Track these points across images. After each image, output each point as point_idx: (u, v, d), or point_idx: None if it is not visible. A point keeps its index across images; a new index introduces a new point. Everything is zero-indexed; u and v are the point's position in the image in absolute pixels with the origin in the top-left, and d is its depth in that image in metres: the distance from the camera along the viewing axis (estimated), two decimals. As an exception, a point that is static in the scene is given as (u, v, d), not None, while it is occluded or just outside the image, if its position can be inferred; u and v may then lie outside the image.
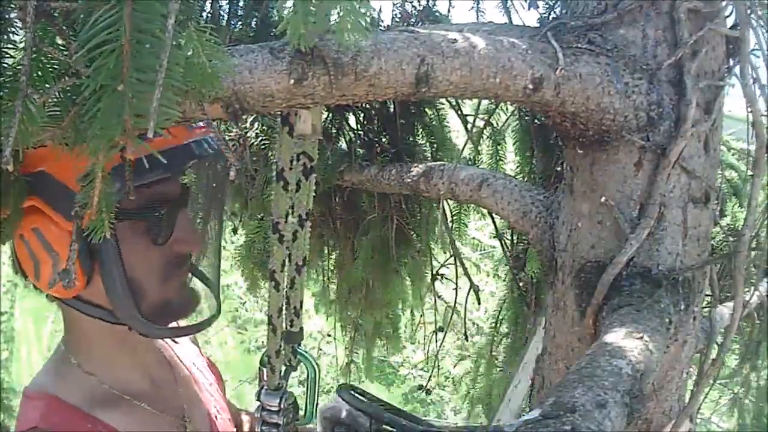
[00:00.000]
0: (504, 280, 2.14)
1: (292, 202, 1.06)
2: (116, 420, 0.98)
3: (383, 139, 1.81)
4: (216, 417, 1.18)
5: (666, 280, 0.93)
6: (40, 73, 0.52)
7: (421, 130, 1.84)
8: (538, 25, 1.04)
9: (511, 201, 1.21)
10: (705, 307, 1.05)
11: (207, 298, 1.13)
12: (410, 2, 1.64)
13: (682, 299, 0.93)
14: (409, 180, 1.60)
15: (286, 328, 1.14)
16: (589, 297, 0.96)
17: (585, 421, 0.59)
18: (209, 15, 1.50)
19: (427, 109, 1.83)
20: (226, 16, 1.54)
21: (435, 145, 1.84)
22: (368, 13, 0.63)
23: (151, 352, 1.12)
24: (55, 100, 0.54)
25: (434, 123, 1.83)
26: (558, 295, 1.06)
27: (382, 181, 1.68)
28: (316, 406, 1.19)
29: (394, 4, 1.64)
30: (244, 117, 1.48)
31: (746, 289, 1.23)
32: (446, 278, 2.18)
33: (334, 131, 1.80)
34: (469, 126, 1.77)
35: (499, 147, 1.86)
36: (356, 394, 1.12)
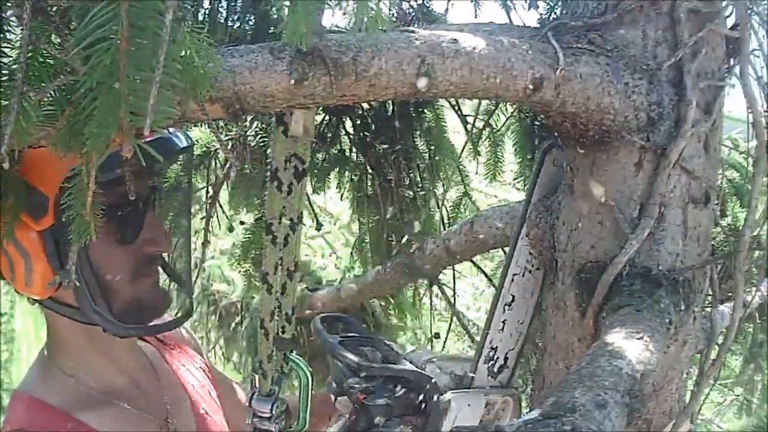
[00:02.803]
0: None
1: (284, 204, 1.06)
2: (97, 420, 0.99)
3: (381, 141, 1.80)
4: (205, 419, 1.18)
5: (666, 280, 0.93)
6: (36, 71, 0.51)
7: (419, 131, 1.84)
8: (538, 25, 1.03)
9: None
10: (705, 308, 1.05)
11: (180, 297, 1.13)
12: (407, 1, 1.64)
13: (682, 299, 0.93)
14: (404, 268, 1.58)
15: (277, 333, 1.13)
16: (589, 297, 0.96)
17: (585, 421, 0.58)
18: (207, 13, 1.50)
19: (426, 111, 1.82)
20: (224, 14, 1.54)
21: (433, 147, 1.84)
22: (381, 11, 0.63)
23: (130, 354, 1.12)
24: (50, 98, 0.54)
25: (432, 124, 1.83)
26: (558, 295, 1.06)
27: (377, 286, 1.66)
28: (310, 413, 1.19)
29: (391, 4, 1.64)
30: (244, 117, 1.48)
31: (747, 290, 1.23)
32: (444, 284, 2.17)
33: (329, 135, 1.80)
34: (468, 127, 1.76)
35: (497, 148, 1.86)
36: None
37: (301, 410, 1.17)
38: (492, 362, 1.13)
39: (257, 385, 1.12)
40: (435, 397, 1.04)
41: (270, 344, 1.11)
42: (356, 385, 1.00)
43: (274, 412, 1.10)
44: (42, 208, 0.89)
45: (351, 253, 2.09)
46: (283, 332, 1.12)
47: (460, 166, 1.88)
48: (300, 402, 1.16)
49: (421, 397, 1.03)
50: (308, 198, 1.07)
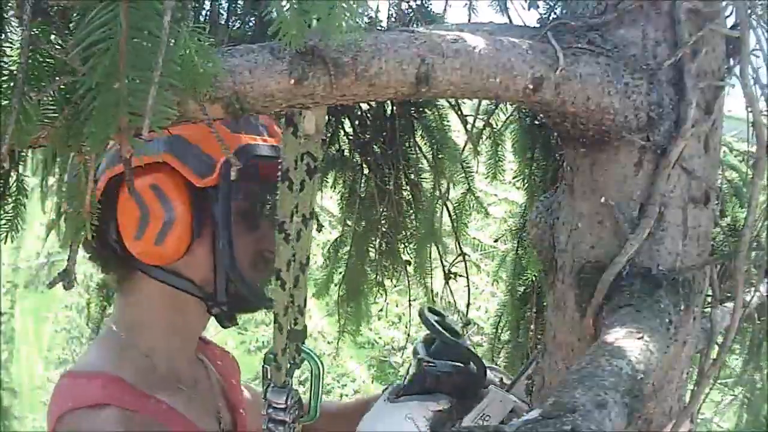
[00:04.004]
0: (504, 283, 2.12)
1: (296, 201, 1.07)
2: (169, 401, 1.01)
3: (380, 141, 1.79)
4: (246, 418, 1.22)
5: (666, 280, 0.93)
6: (36, 71, 0.52)
7: (420, 131, 1.83)
8: (538, 25, 1.03)
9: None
10: (705, 307, 1.05)
11: None
12: (406, 1, 1.64)
13: (682, 299, 0.93)
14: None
15: (290, 326, 1.14)
16: (589, 297, 0.96)
17: (585, 421, 0.58)
18: (208, 13, 1.50)
19: (427, 110, 1.82)
20: (225, 15, 1.54)
21: (435, 146, 1.84)
22: (363, 12, 0.63)
23: (195, 346, 1.17)
24: (50, 99, 0.54)
25: (434, 123, 1.82)
26: (558, 295, 1.06)
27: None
28: (320, 403, 1.20)
29: (390, 4, 1.64)
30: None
31: (746, 290, 1.23)
32: (460, 275, 2.16)
33: (329, 134, 1.80)
34: (468, 126, 1.76)
35: (498, 148, 1.85)
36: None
37: (312, 400, 1.18)
38: (530, 381, 1.24)
39: (271, 377, 1.14)
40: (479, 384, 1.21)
41: (284, 338, 1.12)
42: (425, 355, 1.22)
43: (288, 402, 1.12)
44: (209, 168, 0.99)
45: (329, 250, 2.07)
46: (295, 324, 1.14)
47: (464, 164, 1.88)
48: (311, 392, 1.18)
49: (468, 380, 1.20)
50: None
